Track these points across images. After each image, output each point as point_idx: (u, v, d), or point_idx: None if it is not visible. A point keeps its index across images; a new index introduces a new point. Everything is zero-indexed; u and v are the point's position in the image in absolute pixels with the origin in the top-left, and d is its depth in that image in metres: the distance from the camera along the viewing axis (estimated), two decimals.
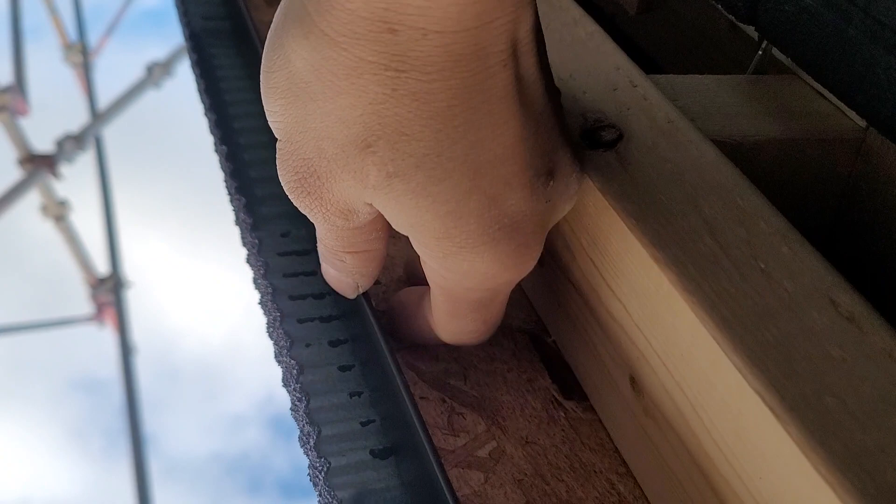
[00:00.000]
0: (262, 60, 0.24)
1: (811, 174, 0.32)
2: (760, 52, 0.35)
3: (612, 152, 0.28)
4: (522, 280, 0.37)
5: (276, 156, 0.26)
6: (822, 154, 0.32)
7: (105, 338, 2.68)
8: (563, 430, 0.32)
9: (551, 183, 0.25)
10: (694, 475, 0.26)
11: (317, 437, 0.29)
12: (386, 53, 0.21)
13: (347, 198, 0.25)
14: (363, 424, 0.32)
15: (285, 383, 0.32)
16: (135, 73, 2.68)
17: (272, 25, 0.24)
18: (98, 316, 2.74)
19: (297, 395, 0.31)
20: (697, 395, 0.24)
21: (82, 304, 2.68)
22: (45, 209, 2.60)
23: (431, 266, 0.26)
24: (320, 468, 0.29)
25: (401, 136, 0.22)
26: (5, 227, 2.46)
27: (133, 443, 2.37)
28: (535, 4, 0.23)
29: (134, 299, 2.64)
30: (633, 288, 0.26)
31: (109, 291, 2.66)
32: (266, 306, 0.34)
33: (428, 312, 0.31)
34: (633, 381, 0.28)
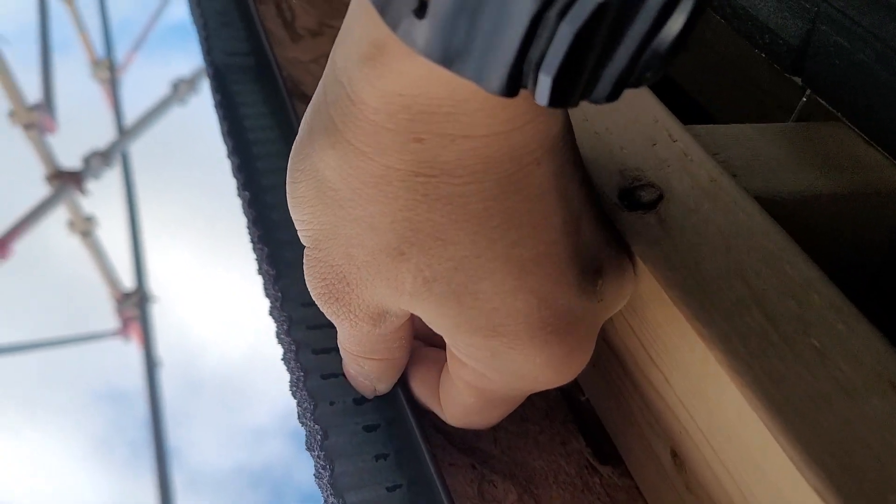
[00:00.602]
0: (288, 172, 0.24)
1: (861, 229, 0.31)
2: (805, 99, 0.33)
3: (651, 214, 0.26)
4: None
5: (304, 262, 0.25)
6: (872, 207, 0.31)
7: (130, 352, 2.70)
8: (599, 498, 0.30)
9: (600, 282, 0.24)
10: None
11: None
12: (414, 161, 0.20)
13: (380, 303, 0.24)
14: (389, 490, 0.30)
15: (309, 447, 0.31)
16: (161, 88, 2.70)
17: (298, 136, 0.24)
18: (123, 330, 2.76)
19: (322, 462, 0.30)
20: (746, 480, 0.23)
21: (108, 318, 2.70)
22: (71, 225, 2.63)
23: (474, 368, 0.25)
24: None
25: (435, 242, 0.22)
26: (33, 242, 2.48)
27: (157, 455, 2.38)
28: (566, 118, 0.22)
29: (158, 313, 2.65)
30: (674, 360, 0.25)
31: (135, 306, 2.68)
32: (289, 364, 0.33)
33: (438, 387, 0.29)
34: (675, 455, 0.27)
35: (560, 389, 0.34)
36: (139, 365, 2.58)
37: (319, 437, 0.30)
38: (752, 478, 0.22)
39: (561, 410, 0.33)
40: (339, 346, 0.29)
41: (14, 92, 2.43)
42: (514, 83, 0.15)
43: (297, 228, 0.25)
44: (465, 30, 0.15)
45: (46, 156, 2.46)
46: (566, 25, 0.14)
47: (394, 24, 0.16)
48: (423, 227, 0.21)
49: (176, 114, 2.68)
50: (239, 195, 0.41)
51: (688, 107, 0.31)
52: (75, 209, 2.57)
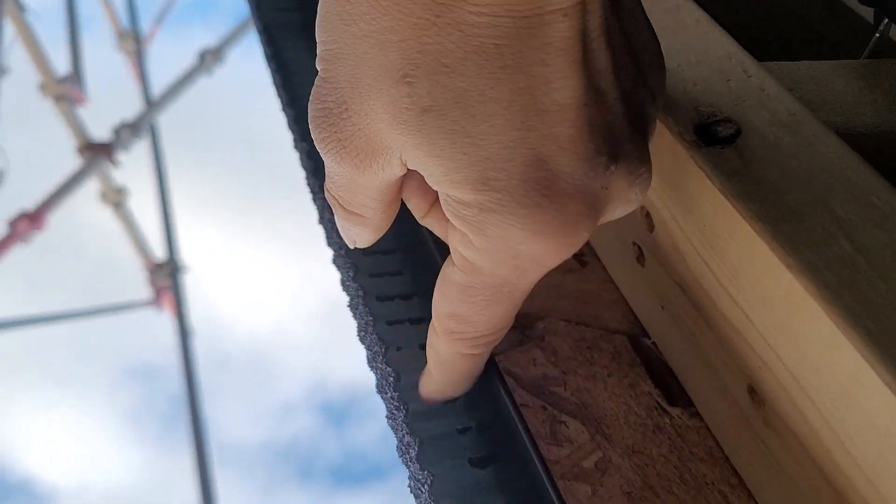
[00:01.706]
0: None
1: None
2: (878, 35, 0.33)
3: (730, 148, 0.26)
4: (617, 278, 0.36)
5: (313, 88, 0.24)
6: None
7: (163, 322, 2.73)
8: (669, 438, 0.31)
9: (612, 168, 0.22)
10: (825, 492, 0.24)
11: (418, 447, 0.29)
12: None
13: (373, 137, 0.23)
14: (460, 432, 0.31)
15: (381, 390, 0.31)
16: (186, 59, 2.71)
17: None
18: (156, 300, 2.80)
19: (395, 403, 0.30)
20: (834, 411, 0.23)
21: (141, 289, 2.73)
22: (103, 196, 2.66)
23: (462, 232, 0.23)
24: (423, 480, 0.28)
25: (441, 67, 0.20)
26: (67, 214, 2.51)
27: (193, 425, 2.41)
28: None
29: (189, 285, 2.68)
30: (757, 295, 0.25)
31: (167, 276, 2.71)
32: (356, 309, 0.34)
33: None
34: (752, 391, 0.27)
35: (626, 333, 0.34)
36: (172, 334, 2.62)
37: (392, 378, 0.31)
38: (843, 408, 0.22)
39: (628, 354, 0.33)
40: (324, 189, 0.27)
41: (43, 65, 2.45)
42: None
43: (318, 53, 0.23)
44: None
45: (77, 128, 2.48)
46: None
47: None
48: (430, 50, 0.20)
49: (203, 84, 2.69)
50: (296, 147, 0.41)
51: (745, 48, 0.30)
52: (107, 180, 2.60)
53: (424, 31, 0.20)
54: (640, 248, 0.32)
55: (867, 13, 0.38)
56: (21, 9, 2.33)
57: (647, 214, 0.31)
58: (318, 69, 0.23)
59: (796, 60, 0.32)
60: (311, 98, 0.24)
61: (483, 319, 0.26)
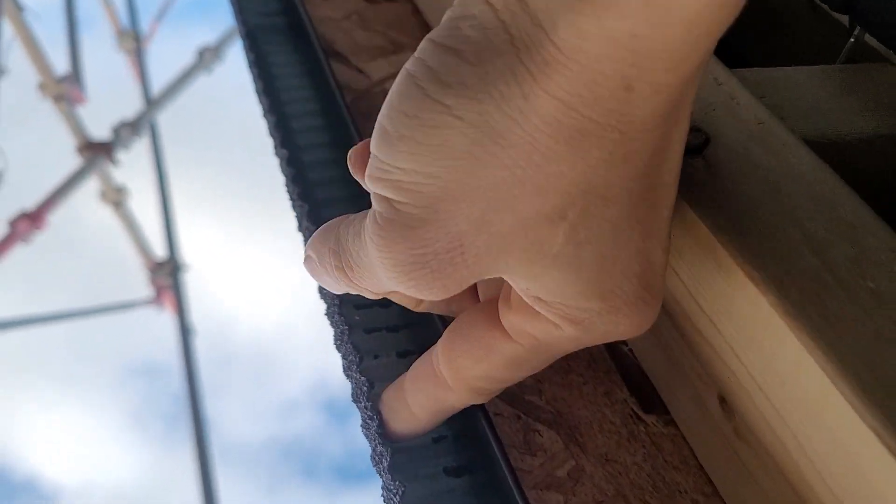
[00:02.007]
0: (402, 117, 0.20)
1: None
2: (853, 40, 0.32)
3: (698, 158, 0.26)
4: None
5: (382, 226, 0.21)
6: None
7: (164, 321, 2.74)
8: (644, 446, 0.30)
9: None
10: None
11: (390, 458, 0.29)
12: (616, 113, 0.18)
13: (484, 272, 0.21)
14: (435, 441, 0.31)
15: (355, 399, 0.31)
16: (186, 58, 2.71)
17: (410, 77, 0.20)
18: (157, 299, 2.80)
19: (368, 412, 0.30)
20: (800, 425, 0.23)
21: (141, 288, 2.74)
22: (103, 195, 2.66)
23: (555, 324, 0.23)
24: (395, 491, 0.28)
25: (601, 201, 0.20)
26: (67, 213, 2.52)
27: (194, 424, 2.42)
28: None
29: (190, 283, 2.69)
30: (725, 307, 0.25)
31: (167, 275, 2.71)
32: (333, 318, 0.34)
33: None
34: (723, 402, 0.27)
35: None
36: (173, 333, 2.62)
37: (366, 388, 0.31)
38: (807, 422, 0.22)
39: (604, 361, 0.33)
40: (329, 265, 0.25)
41: (43, 64, 2.45)
42: None
43: (398, 183, 0.20)
44: None
45: (76, 127, 2.48)
46: None
47: None
48: (596, 189, 0.20)
49: (202, 82, 2.69)
50: (276, 154, 0.41)
51: (721, 53, 0.30)
52: (107, 180, 2.60)
53: (595, 171, 0.19)
54: None
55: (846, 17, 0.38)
56: (19, 8, 2.33)
57: None
58: (393, 204, 0.21)
59: (774, 66, 0.32)
60: (385, 241, 0.21)
61: (520, 377, 0.27)
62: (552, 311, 0.23)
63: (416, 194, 0.20)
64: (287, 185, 0.40)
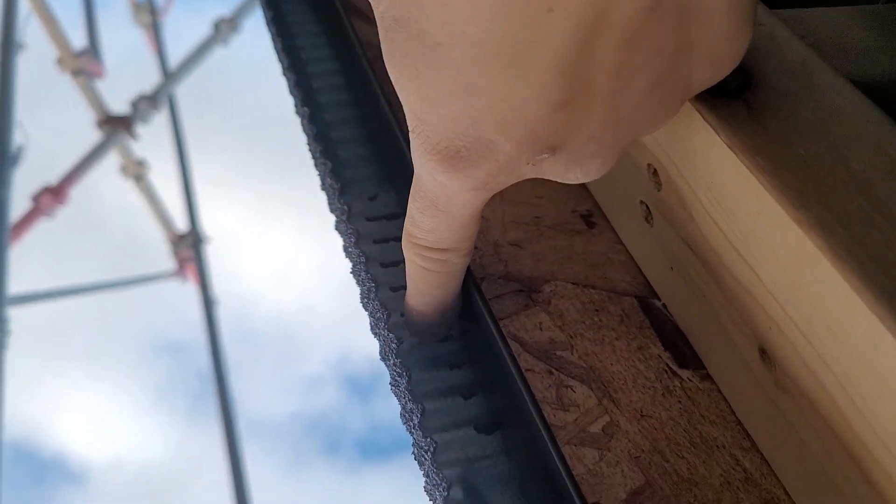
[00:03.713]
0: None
1: None
2: None
3: (739, 101, 0.25)
4: (626, 239, 0.35)
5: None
6: None
7: (187, 293, 2.76)
8: (679, 401, 0.30)
9: (547, 158, 0.21)
10: (838, 457, 0.23)
11: (420, 415, 0.28)
12: None
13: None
14: (465, 398, 0.30)
15: (383, 357, 0.31)
16: (202, 30, 2.69)
17: None
18: (180, 271, 2.82)
19: (398, 369, 0.29)
20: (848, 373, 0.22)
21: (164, 260, 2.76)
22: (124, 169, 2.67)
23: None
24: (426, 448, 0.27)
25: None
26: (88, 187, 2.53)
27: (220, 396, 2.44)
28: None
29: (212, 257, 2.70)
30: (767, 252, 0.24)
31: (189, 247, 2.73)
32: (359, 276, 0.33)
33: None
34: (763, 353, 0.26)
35: (635, 295, 0.33)
36: (196, 306, 2.64)
37: (395, 345, 0.30)
38: (856, 369, 0.21)
39: (637, 316, 0.33)
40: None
41: (60, 39, 2.45)
42: None
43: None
44: None
45: (96, 101, 2.48)
46: None
47: None
48: None
49: (219, 54, 2.68)
50: (298, 112, 0.40)
51: None
52: (127, 153, 2.61)
53: None
54: (647, 207, 0.31)
55: None
56: None
57: (655, 172, 0.30)
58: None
59: (810, 7, 0.30)
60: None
61: (425, 227, 0.26)
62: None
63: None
64: (309, 144, 0.39)
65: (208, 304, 2.61)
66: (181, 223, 2.75)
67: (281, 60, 0.43)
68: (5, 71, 1.98)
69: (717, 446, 0.29)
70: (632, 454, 0.28)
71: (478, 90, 0.19)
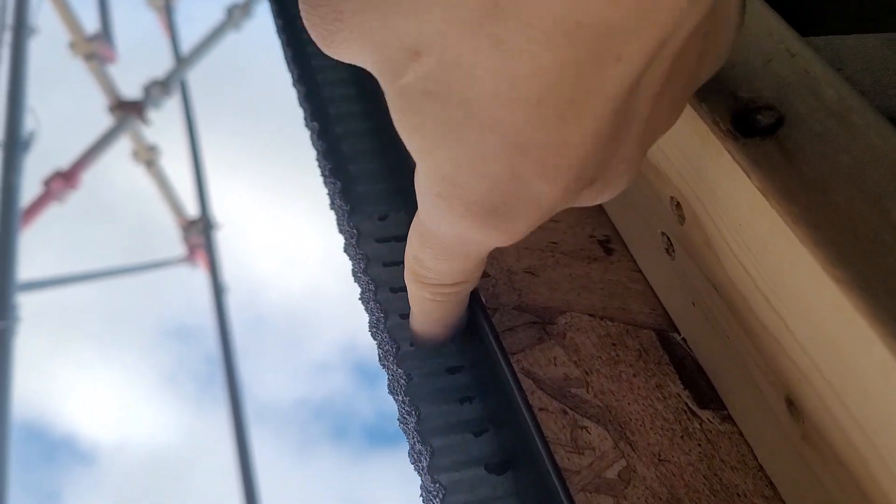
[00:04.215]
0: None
1: None
2: None
3: (771, 140, 0.24)
4: (645, 269, 0.34)
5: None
6: None
7: (197, 279, 2.76)
8: (699, 444, 0.29)
9: (585, 190, 0.20)
10: None
11: (429, 457, 0.27)
12: None
13: (364, 36, 0.19)
14: (476, 435, 0.29)
15: (392, 391, 0.30)
16: (215, 15, 2.68)
17: None
18: (190, 257, 2.83)
19: (407, 407, 0.28)
20: (883, 438, 0.20)
21: (175, 246, 2.76)
22: (136, 154, 2.67)
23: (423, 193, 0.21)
24: (435, 493, 0.26)
25: (454, 66, 0.17)
26: (100, 172, 2.53)
27: (228, 381, 2.44)
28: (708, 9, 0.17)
29: (222, 243, 2.70)
30: (799, 305, 0.23)
31: (200, 233, 2.73)
32: (368, 304, 0.32)
33: None
34: (791, 404, 0.25)
35: (654, 329, 0.32)
36: (206, 291, 2.64)
37: (403, 381, 0.29)
38: (892, 436, 0.20)
39: (655, 351, 0.31)
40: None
41: (73, 23, 2.44)
42: None
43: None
44: None
45: (108, 86, 2.48)
46: None
47: None
48: (446, 38, 0.17)
49: (231, 40, 2.66)
50: (307, 126, 0.39)
51: (785, 15, 0.28)
52: (138, 139, 2.60)
53: (443, 11, 0.17)
54: (669, 239, 0.30)
55: None
56: None
57: (678, 205, 0.28)
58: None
59: (845, 34, 0.29)
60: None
61: (437, 269, 0.25)
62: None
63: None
64: (318, 160, 0.38)
65: (218, 290, 2.61)
66: (192, 209, 2.74)
67: (290, 71, 0.41)
68: (17, 55, 1.98)
69: (738, 494, 0.27)
70: (649, 503, 0.27)
71: (528, 146, 0.18)
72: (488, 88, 0.17)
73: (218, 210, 2.72)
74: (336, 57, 0.20)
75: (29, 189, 2.08)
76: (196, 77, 2.72)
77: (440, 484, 0.26)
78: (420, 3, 0.17)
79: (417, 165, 0.21)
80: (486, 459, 0.28)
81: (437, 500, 0.26)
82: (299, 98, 0.40)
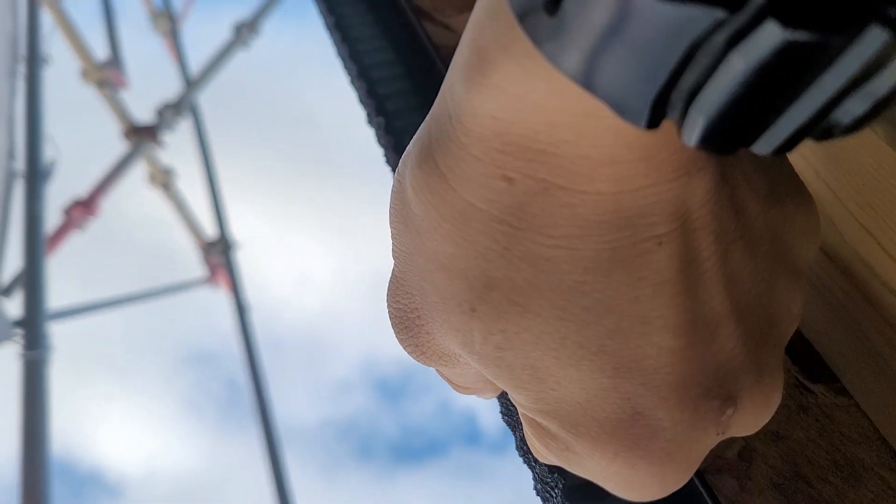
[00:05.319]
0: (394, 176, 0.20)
1: None
2: None
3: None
4: None
5: (389, 282, 0.21)
6: None
7: (220, 299, 2.77)
8: (816, 419, 0.28)
9: (730, 412, 0.18)
10: None
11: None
12: (498, 204, 0.16)
13: (447, 348, 0.20)
14: None
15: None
16: (221, 34, 2.69)
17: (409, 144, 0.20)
18: (211, 278, 2.83)
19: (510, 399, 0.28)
20: None
21: (196, 268, 2.77)
22: (152, 178, 2.68)
23: (537, 439, 0.21)
24: (553, 484, 0.25)
25: (512, 306, 0.17)
26: (118, 198, 2.54)
27: (257, 399, 2.44)
28: (721, 171, 0.17)
29: (242, 263, 2.71)
30: None
31: (220, 253, 2.73)
32: None
33: None
34: None
35: None
36: (229, 311, 2.65)
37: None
38: None
39: None
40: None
41: (83, 51, 2.46)
42: (658, 113, 0.12)
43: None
44: (602, 36, 0.11)
45: (121, 112, 2.49)
46: (738, 59, 0.10)
47: (521, 14, 0.12)
48: (499, 285, 0.17)
49: (240, 58, 2.67)
50: (371, 123, 0.38)
51: None
52: (154, 162, 2.62)
53: (491, 264, 0.17)
54: None
55: None
56: None
57: None
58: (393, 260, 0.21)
59: None
60: (388, 291, 0.21)
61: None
62: (529, 427, 0.20)
63: (393, 252, 0.20)
64: (386, 156, 0.37)
65: (241, 309, 2.61)
66: (210, 230, 2.75)
67: (347, 69, 0.41)
68: (33, 86, 1.99)
69: (864, 468, 0.26)
70: (773, 481, 0.26)
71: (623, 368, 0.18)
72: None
73: (235, 230, 2.72)
74: (433, 362, 0.21)
75: (49, 218, 2.09)
76: (207, 98, 2.73)
77: (558, 473, 0.25)
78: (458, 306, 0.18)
79: (539, 418, 0.19)
80: None
81: (557, 488, 0.25)
82: (360, 96, 0.39)
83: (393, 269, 0.21)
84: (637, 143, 0.15)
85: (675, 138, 0.15)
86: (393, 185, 0.20)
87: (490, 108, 0.15)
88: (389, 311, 0.21)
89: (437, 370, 0.23)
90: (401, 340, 0.21)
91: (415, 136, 0.19)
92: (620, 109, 0.12)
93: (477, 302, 0.18)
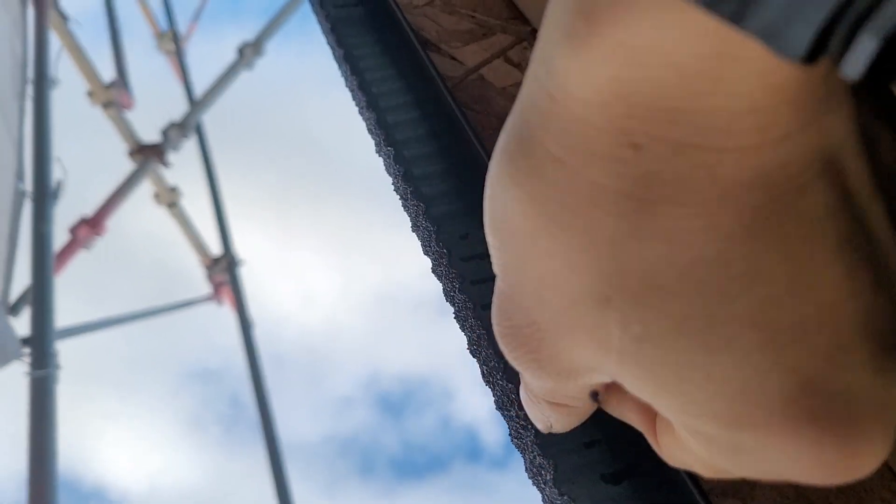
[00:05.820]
0: (486, 185, 0.19)
1: None
2: None
3: None
4: None
5: (494, 293, 0.20)
6: None
7: (223, 316, 2.78)
8: None
9: None
10: None
11: (553, 471, 0.27)
12: (626, 175, 0.15)
13: (577, 360, 0.19)
14: (587, 446, 0.29)
15: (501, 407, 0.30)
16: (225, 55, 2.72)
17: (497, 145, 0.18)
18: (216, 295, 2.85)
19: (522, 421, 0.28)
20: None
21: (200, 285, 2.78)
22: (157, 197, 2.70)
23: (704, 448, 0.19)
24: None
25: (650, 290, 0.16)
26: (124, 217, 2.56)
27: (261, 413, 2.44)
28: (851, 98, 0.16)
29: (245, 280, 2.72)
30: None
31: (224, 271, 2.75)
32: (466, 322, 0.32)
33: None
34: None
35: None
36: (233, 328, 2.66)
37: (514, 395, 0.29)
38: None
39: None
40: (521, 390, 0.24)
41: (90, 72, 2.48)
42: (821, 44, 0.11)
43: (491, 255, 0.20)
44: None
45: (127, 131, 2.52)
46: None
47: None
48: (633, 269, 0.16)
49: (244, 78, 2.70)
50: (380, 152, 0.39)
51: None
52: (159, 181, 2.64)
53: (621, 248, 0.16)
54: None
55: None
56: (64, 18, 2.36)
57: None
58: (496, 274, 0.20)
59: None
60: (493, 309, 0.20)
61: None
62: (685, 432, 0.19)
63: (498, 266, 0.19)
64: (395, 183, 0.38)
65: (245, 326, 2.62)
66: (214, 248, 2.77)
67: (356, 99, 0.42)
68: (41, 107, 2.01)
69: (864, 489, 0.27)
70: (777, 503, 0.27)
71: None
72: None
73: (239, 247, 2.74)
74: (551, 378, 0.20)
75: (55, 237, 2.10)
76: (212, 117, 2.75)
77: (568, 496, 0.26)
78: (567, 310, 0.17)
79: (683, 422, 0.18)
80: (601, 469, 0.28)
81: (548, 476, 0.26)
82: (369, 126, 0.40)
83: (497, 286, 0.20)
84: (783, 83, 0.14)
85: (817, 74, 0.14)
86: (490, 194, 0.19)
87: (611, 69, 0.14)
88: (499, 331, 0.20)
89: (532, 387, 0.22)
90: (515, 358, 0.20)
91: (501, 140, 0.18)
92: (777, 43, 0.11)
93: (611, 290, 0.17)
